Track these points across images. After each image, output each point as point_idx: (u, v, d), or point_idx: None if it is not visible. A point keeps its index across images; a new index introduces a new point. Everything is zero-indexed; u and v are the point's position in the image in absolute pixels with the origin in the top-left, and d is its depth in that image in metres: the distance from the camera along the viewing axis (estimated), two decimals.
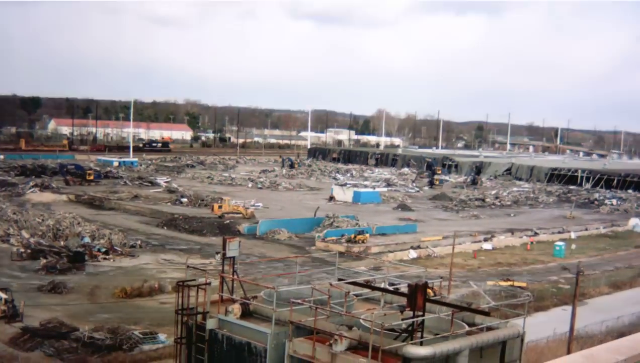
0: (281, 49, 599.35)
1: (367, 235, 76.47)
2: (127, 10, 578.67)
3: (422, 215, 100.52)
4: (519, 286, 57.06)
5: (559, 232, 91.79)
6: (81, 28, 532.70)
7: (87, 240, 67.26)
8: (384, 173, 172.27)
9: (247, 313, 23.86)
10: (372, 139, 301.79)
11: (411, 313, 21.39)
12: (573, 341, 34.29)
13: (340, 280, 29.65)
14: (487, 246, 79.51)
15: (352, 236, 75.18)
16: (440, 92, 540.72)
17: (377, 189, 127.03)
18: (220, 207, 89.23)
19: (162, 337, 39.18)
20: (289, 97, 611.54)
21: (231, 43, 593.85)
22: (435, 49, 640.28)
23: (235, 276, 26.37)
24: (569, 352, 31.45)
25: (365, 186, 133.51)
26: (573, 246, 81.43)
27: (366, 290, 27.46)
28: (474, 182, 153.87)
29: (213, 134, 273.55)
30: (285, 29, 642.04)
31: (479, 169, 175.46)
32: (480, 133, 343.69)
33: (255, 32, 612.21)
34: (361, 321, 21.28)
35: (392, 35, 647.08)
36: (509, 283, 58.12)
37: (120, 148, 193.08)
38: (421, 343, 20.07)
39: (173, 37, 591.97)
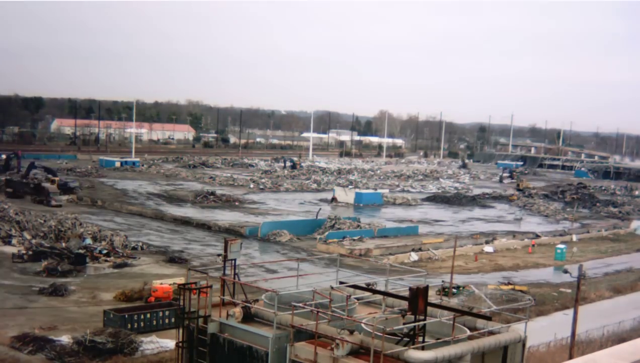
0: (285, 49, 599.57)
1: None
2: (129, 10, 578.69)
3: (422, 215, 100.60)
4: (520, 290, 57.01)
5: (561, 235, 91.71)
6: (81, 26, 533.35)
7: (88, 241, 67.27)
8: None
9: (248, 317, 23.84)
10: (375, 140, 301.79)
11: (412, 317, 21.39)
12: (574, 346, 34.23)
13: (341, 283, 29.63)
14: (488, 248, 79.45)
15: None
16: (443, 92, 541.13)
17: (379, 191, 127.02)
18: None
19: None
20: (292, 98, 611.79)
21: (234, 43, 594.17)
22: (437, 48, 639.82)
23: (237, 280, 26.33)
24: (570, 357, 31.41)
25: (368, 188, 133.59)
26: (574, 249, 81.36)
27: (367, 294, 27.41)
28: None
29: (215, 135, 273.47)
30: (286, 29, 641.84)
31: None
32: (482, 134, 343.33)
33: (256, 31, 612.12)
34: (362, 325, 21.26)
35: (394, 33, 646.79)
36: (510, 287, 58.07)
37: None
38: (423, 348, 20.06)
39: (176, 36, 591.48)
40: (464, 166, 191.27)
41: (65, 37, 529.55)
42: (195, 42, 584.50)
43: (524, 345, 23.00)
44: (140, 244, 69.48)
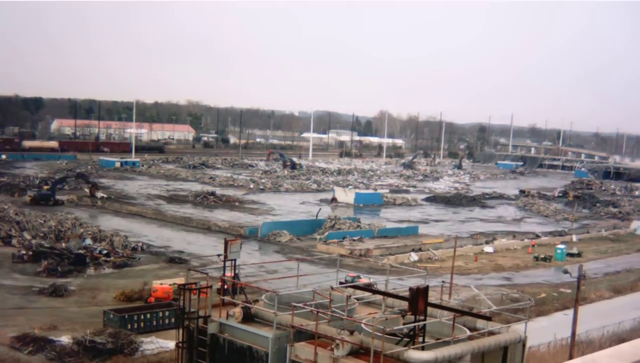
0: (284, 50, 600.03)
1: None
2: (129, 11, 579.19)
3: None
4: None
5: (560, 235, 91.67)
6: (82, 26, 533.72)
7: (88, 241, 67.24)
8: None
9: (248, 317, 23.80)
10: (375, 140, 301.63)
11: (412, 317, 21.37)
12: (574, 346, 34.22)
13: (341, 283, 29.61)
14: (488, 249, 79.39)
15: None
16: (443, 93, 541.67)
17: (379, 191, 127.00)
18: None
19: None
20: (292, 98, 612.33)
21: (234, 43, 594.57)
22: (438, 48, 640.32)
23: (237, 280, 26.31)
24: (570, 357, 31.40)
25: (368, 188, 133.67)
26: (574, 250, 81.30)
27: (367, 294, 27.38)
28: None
29: (215, 135, 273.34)
30: (286, 30, 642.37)
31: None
32: (482, 135, 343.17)
33: (256, 33, 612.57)
34: (362, 325, 21.24)
35: (394, 34, 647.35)
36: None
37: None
38: (423, 348, 20.04)
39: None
40: (460, 166, 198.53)
41: (65, 37, 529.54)
42: (195, 42, 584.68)
43: (524, 346, 22.96)
44: (140, 244, 69.45)
